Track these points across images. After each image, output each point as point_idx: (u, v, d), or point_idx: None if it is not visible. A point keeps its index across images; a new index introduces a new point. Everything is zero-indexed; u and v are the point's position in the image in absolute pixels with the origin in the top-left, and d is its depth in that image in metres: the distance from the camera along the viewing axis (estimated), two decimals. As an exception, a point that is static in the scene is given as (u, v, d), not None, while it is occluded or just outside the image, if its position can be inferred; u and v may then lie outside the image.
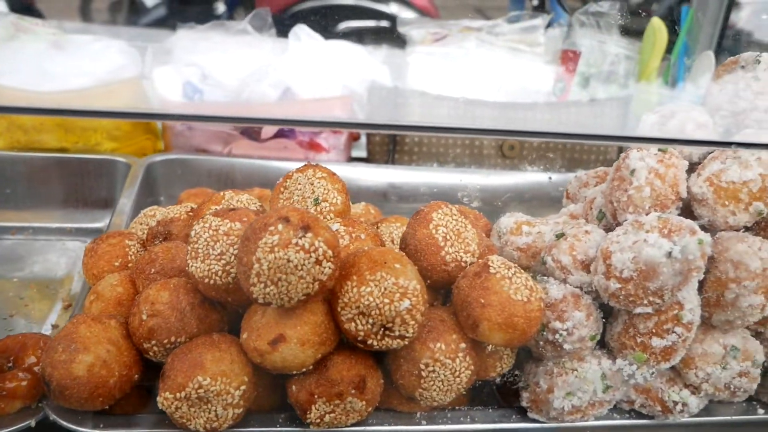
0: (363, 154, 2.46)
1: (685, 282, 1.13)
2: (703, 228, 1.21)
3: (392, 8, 4.05)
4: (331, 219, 1.29)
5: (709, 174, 1.21)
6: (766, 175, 1.17)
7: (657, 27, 2.51)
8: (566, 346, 1.19)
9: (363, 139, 2.47)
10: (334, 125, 2.08)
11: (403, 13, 4.01)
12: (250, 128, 2.17)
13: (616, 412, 1.32)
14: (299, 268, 1.01)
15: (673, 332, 1.19)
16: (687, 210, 1.25)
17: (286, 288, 1.02)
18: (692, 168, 1.26)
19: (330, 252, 1.04)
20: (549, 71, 2.48)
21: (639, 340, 1.21)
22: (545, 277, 1.26)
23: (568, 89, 2.44)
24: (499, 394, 1.37)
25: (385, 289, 1.07)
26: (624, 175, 1.25)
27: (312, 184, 1.33)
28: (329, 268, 1.04)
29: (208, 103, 2.14)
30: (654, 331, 1.19)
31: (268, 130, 2.18)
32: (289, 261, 1.00)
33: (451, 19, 2.62)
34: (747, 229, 1.23)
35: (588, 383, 1.22)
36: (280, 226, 1.01)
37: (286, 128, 2.24)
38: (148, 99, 2.16)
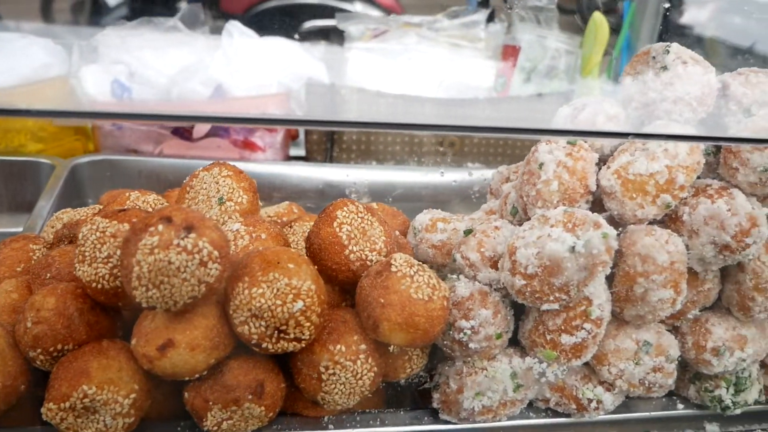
0: (302, 152, 2.42)
1: (591, 277, 1.10)
2: (614, 222, 1.19)
3: (357, 7, 4.01)
4: (235, 219, 1.24)
5: (617, 167, 1.19)
6: (673, 167, 1.15)
7: (598, 22, 2.49)
8: (472, 345, 1.16)
9: (302, 138, 2.43)
10: (268, 122, 2.04)
11: (369, 12, 3.97)
12: (181, 127, 2.12)
13: (533, 410, 1.29)
14: (182, 270, 0.97)
15: (583, 328, 1.16)
16: (600, 204, 1.22)
17: (169, 291, 0.98)
18: (604, 161, 1.23)
19: (216, 253, 1.00)
20: (490, 67, 2.46)
21: (548, 337, 1.18)
22: (455, 276, 1.23)
23: (509, 85, 2.42)
24: (419, 396, 1.34)
25: (278, 290, 1.03)
26: (533, 169, 1.23)
27: (217, 183, 1.29)
28: (216, 269, 1.00)
29: (137, 101, 2.08)
30: (563, 327, 1.16)
31: (200, 129, 2.13)
32: (170, 263, 0.96)
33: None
34: (657, 222, 1.20)
35: (498, 383, 1.19)
36: (160, 227, 0.97)
37: (221, 127, 2.19)
38: (76, 98, 2.10)
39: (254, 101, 2.23)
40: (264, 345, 1.06)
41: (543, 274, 1.11)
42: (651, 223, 1.21)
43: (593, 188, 1.21)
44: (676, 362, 1.28)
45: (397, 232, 1.39)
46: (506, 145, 2.42)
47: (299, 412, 1.21)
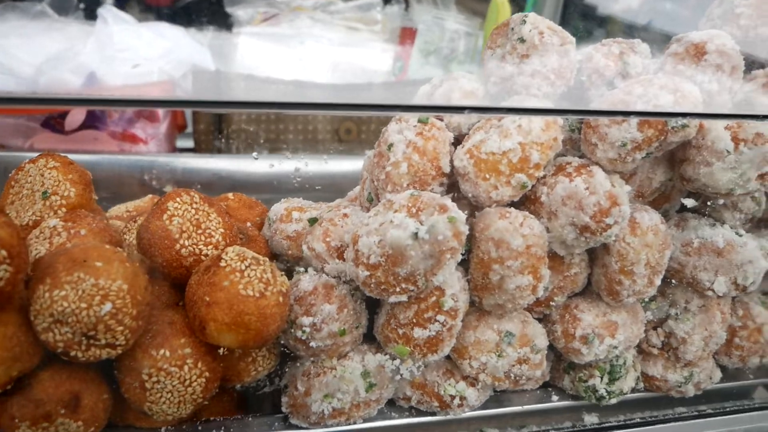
0: (191, 144, 2.29)
1: (438, 265, 1.01)
2: (471, 205, 1.10)
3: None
4: (60, 214, 1.12)
5: (470, 146, 1.10)
6: (526, 144, 1.07)
7: (500, 3, 2.42)
8: (314, 344, 1.06)
9: (191, 129, 2.30)
10: (153, 104, 1.91)
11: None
12: (52, 119, 1.97)
13: (395, 410, 1.20)
14: (-41, 273, 0.85)
15: (436, 321, 1.07)
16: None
17: (-54, 298, 0.85)
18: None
19: (4, 252, 0.88)
20: (387, 50, 2.37)
21: (401, 331, 1.09)
22: (302, 268, 1.13)
23: (407, 68, 2.33)
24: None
25: (83, 291, 0.92)
26: (383, 151, 1.13)
27: (42, 176, 1.17)
28: (5, 271, 0.88)
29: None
30: (415, 321, 1.07)
31: (73, 121, 1.99)
32: (-56, 266, 0.84)
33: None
34: (516, 204, 1.12)
35: (347, 383, 1.10)
36: (-68, 225, 0.84)
37: (97, 118, 2.05)
38: (-66, 90, 1.94)
39: (133, 90, 2.08)
40: (73, 353, 0.95)
41: (387, 264, 1.01)
42: (510, 205, 1.12)
43: (447, 170, 1.12)
44: (544, 352, 1.20)
45: (249, 224, 1.28)
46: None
47: (132, 423, 1.09)
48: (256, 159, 2.08)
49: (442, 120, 1.19)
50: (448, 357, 1.18)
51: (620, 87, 1.13)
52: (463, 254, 1.07)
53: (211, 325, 0.99)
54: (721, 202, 1.23)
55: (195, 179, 2.13)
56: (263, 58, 2.32)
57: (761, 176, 1.12)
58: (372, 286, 1.04)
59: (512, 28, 1.18)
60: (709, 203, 1.25)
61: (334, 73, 2.35)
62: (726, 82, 1.15)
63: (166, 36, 2.19)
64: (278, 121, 2.22)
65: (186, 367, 1.01)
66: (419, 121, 1.13)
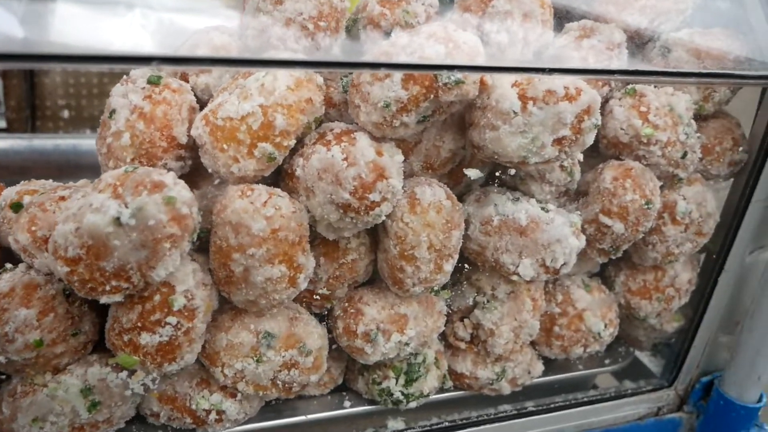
0: (3, 124, 2.02)
1: (156, 257, 0.82)
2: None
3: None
4: None
5: (207, 111, 0.90)
6: (268, 107, 0.88)
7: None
8: (2, 358, 0.85)
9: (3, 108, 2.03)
10: None
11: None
12: None
13: (148, 429, 1.00)
14: None
15: (167, 324, 0.88)
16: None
17: None
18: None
19: None
20: (231, 17, 2.13)
21: (126, 338, 0.89)
22: (10, 266, 0.91)
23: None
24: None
25: None
26: (105, 119, 0.92)
27: None
28: None
29: None
30: (140, 324, 0.88)
31: None
32: None
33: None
34: (273, 181, 0.93)
35: (62, 402, 0.89)
36: None
37: None
38: None
39: None
40: None
41: (88, 257, 0.81)
42: (262, 181, 0.93)
43: (184, 140, 0.92)
44: (320, 354, 1.01)
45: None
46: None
47: None
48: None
49: (187, 80, 0.98)
50: (202, 364, 0.98)
51: (396, 35, 0.94)
52: (194, 241, 0.87)
53: None
54: (513, 172, 1.06)
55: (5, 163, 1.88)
56: (84, 28, 2.06)
57: (558, 141, 0.95)
58: (76, 284, 0.84)
59: (272, -30, 0.97)
60: (512, 174, 1.08)
61: (168, 42, 2.10)
62: (518, 32, 0.98)
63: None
64: (102, 95, 1.98)
65: None
66: (149, 81, 0.93)
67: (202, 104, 0.98)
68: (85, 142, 1.95)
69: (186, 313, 0.90)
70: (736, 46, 1.14)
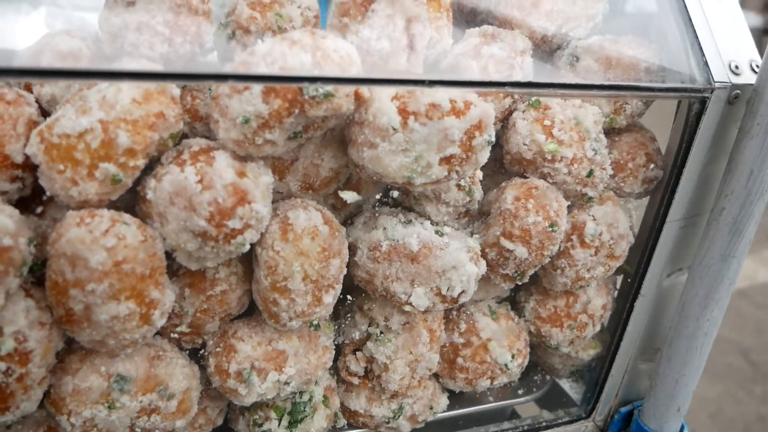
0: None
1: (-28, 295, 0.69)
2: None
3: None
4: None
5: (43, 126, 0.79)
6: (111, 122, 0.77)
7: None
8: None
9: None
10: None
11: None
12: None
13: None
14: None
15: (-10, 370, 0.76)
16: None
17: None
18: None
19: None
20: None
21: (-53, 386, 0.76)
22: None
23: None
24: None
25: None
26: (-73, 135, 0.80)
27: None
28: None
29: None
30: (-38, 371, 0.75)
31: None
32: None
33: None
34: (127, 207, 0.82)
35: None
36: None
37: None
38: None
39: None
40: None
41: None
42: (113, 206, 0.82)
43: (19, 159, 0.81)
44: (187, 396, 0.90)
45: None
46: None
47: None
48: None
49: (30, 91, 0.87)
50: (44, 410, 0.86)
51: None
52: (24, 275, 0.76)
53: None
54: (396, 195, 0.97)
55: None
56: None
57: (446, 160, 0.86)
58: None
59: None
60: (405, 194, 0.99)
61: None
62: (401, 38, 0.88)
63: None
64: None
65: None
66: (-23, 91, 0.81)
67: (48, 117, 0.87)
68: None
69: (17, 357, 0.79)
70: (649, 54, 1.06)
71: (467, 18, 1.11)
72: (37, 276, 0.83)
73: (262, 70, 0.78)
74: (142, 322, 0.82)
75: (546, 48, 1.09)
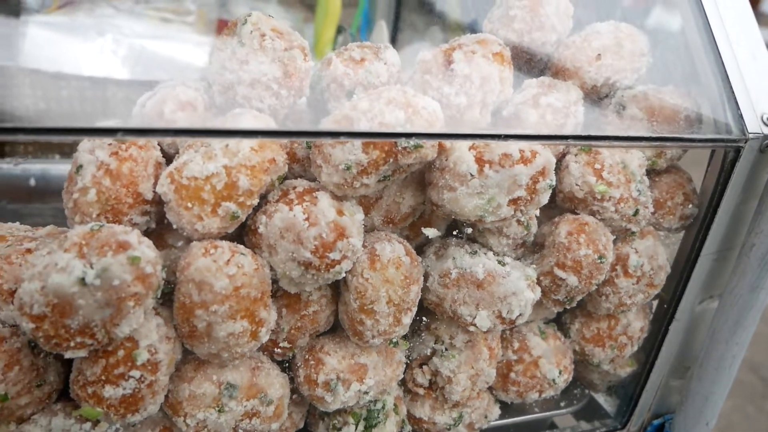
0: (-27, 147, 2.02)
1: (120, 314, 0.84)
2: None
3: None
4: None
5: (172, 168, 0.93)
6: (233, 168, 0.90)
7: (329, -8, 2.25)
8: (-34, 413, 0.86)
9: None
10: None
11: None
12: None
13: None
14: None
15: (130, 377, 0.90)
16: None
17: None
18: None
19: None
20: (203, 43, 2.16)
21: (90, 390, 0.91)
22: (-24, 315, 0.93)
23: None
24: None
25: None
26: (72, 173, 0.94)
27: None
28: None
29: None
30: (104, 377, 0.90)
31: None
32: None
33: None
34: (237, 237, 0.95)
35: (24, 455, 0.90)
36: None
37: None
38: None
39: None
40: None
41: (53, 315, 0.83)
42: (227, 237, 0.96)
43: (149, 196, 0.94)
44: (281, 403, 1.04)
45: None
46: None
47: None
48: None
49: (155, 136, 1.00)
50: (162, 412, 1.00)
51: (354, 100, 0.97)
52: (159, 299, 0.90)
53: None
54: (470, 230, 1.10)
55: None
56: (55, 52, 2.08)
57: (513, 201, 0.99)
58: (41, 340, 0.86)
59: (235, 29, 1.01)
60: (472, 228, 1.12)
61: (138, 68, 2.13)
62: (476, 95, 1.02)
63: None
64: (73, 120, 1.98)
65: None
66: (116, 138, 0.95)
67: (168, 158, 1.00)
68: (53, 167, 1.97)
69: (149, 367, 0.92)
70: (688, 104, 1.19)
71: (524, 68, 1.24)
72: (160, 299, 0.96)
73: (364, 125, 0.92)
74: (252, 338, 0.96)
75: (595, 96, 1.22)
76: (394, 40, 2.37)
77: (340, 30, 2.40)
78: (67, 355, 0.88)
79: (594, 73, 1.18)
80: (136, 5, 2.13)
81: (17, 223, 1.09)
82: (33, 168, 1.97)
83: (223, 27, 2.10)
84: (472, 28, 2.03)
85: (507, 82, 1.12)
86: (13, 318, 0.93)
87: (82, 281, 0.82)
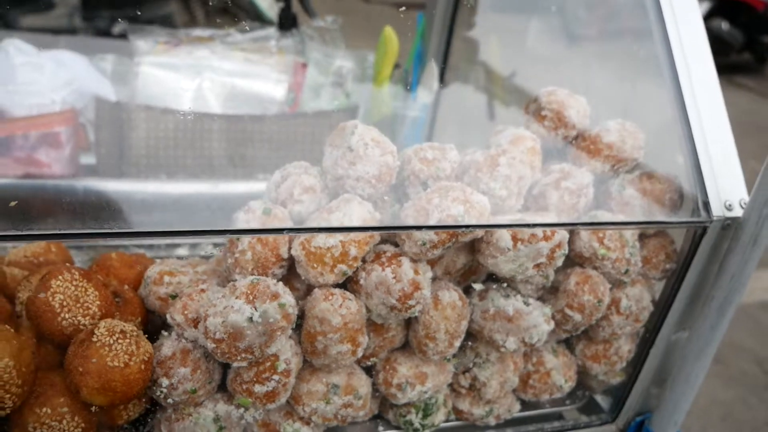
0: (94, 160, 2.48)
1: (271, 340, 1.28)
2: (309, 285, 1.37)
3: None
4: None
5: (303, 239, 1.37)
6: (346, 242, 1.34)
7: (388, 36, 2.65)
8: (170, 400, 1.32)
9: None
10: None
11: None
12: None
13: (243, 445, 1.48)
14: None
15: (272, 380, 1.35)
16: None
17: None
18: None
19: None
20: (282, 81, 2.59)
21: (244, 387, 1.36)
22: (166, 333, 1.39)
23: (299, 100, 2.56)
24: None
25: (-26, 369, 1.15)
26: (233, 239, 1.39)
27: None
28: None
29: None
30: (255, 379, 1.35)
31: (-21, 150, 2.16)
32: None
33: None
34: (341, 284, 1.40)
35: (201, 427, 1.37)
36: None
37: None
38: None
39: (38, 120, 2.27)
40: (-34, 414, 1.18)
41: (229, 339, 1.28)
42: (336, 285, 1.40)
43: (286, 256, 1.39)
44: (366, 398, 1.49)
45: (127, 286, 1.52)
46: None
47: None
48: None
49: (286, 209, 1.44)
50: (288, 402, 1.46)
51: (425, 193, 1.40)
52: (292, 328, 1.35)
53: (83, 389, 1.24)
54: (505, 284, 1.53)
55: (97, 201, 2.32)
56: (162, 88, 2.52)
57: (537, 266, 1.42)
58: (218, 354, 1.30)
59: (346, 135, 1.44)
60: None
61: (229, 103, 2.56)
62: (514, 188, 1.44)
63: (68, 65, 2.36)
64: (176, 146, 2.44)
65: (65, 421, 1.26)
66: (263, 212, 1.39)
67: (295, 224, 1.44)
68: (163, 186, 2.41)
69: (285, 373, 1.37)
70: (672, 188, 1.60)
71: (552, 152, 1.66)
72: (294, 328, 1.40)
73: (436, 216, 1.35)
74: (352, 355, 1.41)
75: (602, 178, 1.64)
76: (442, 78, 2.77)
77: (396, 66, 2.82)
78: (234, 365, 1.33)
79: (602, 163, 1.60)
80: (228, 47, 2.56)
81: (173, 258, 1.54)
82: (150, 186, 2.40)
83: (299, 68, 2.53)
84: (509, 79, 2.44)
85: (537, 168, 1.54)
86: (196, 337, 1.38)
87: (250, 319, 1.27)
